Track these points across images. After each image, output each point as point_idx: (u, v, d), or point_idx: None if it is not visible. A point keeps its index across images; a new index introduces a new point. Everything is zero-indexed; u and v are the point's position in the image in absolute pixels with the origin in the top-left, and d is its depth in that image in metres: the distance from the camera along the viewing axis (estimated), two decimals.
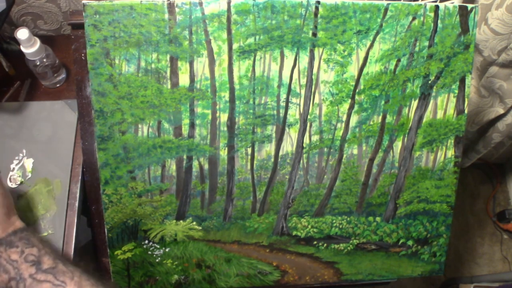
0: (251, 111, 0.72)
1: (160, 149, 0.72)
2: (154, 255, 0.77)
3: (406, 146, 0.78)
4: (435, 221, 0.83)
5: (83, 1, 0.64)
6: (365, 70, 0.73)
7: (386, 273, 0.84)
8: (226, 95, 0.71)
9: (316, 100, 0.73)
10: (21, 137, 0.83)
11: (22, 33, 0.76)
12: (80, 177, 0.81)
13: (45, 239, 0.63)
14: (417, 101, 0.76)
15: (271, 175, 0.76)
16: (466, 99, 0.77)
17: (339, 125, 0.75)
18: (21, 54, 0.79)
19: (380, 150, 0.77)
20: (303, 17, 0.69)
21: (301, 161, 0.76)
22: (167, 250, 0.77)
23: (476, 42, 0.96)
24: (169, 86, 0.69)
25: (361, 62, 0.72)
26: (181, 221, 0.76)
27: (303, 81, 0.72)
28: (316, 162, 0.76)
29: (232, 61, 0.69)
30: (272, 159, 0.75)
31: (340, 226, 0.80)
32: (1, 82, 0.89)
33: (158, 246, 0.77)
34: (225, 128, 0.72)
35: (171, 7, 0.66)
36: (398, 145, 0.78)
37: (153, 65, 0.68)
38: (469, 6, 0.72)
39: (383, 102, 0.75)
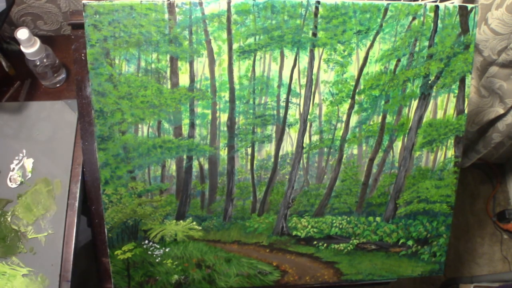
0: (251, 111, 0.72)
1: (160, 149, 0.72)
2: (154, 255, 0.77)
3: (406, 146, 0.78)
4: (435, 221, 0.83)
5: (83, 1, 0.64)
6: (365, 70, 0.73)
7: (386, 273, 0.84)
8: (226, 95, 0.71)
9: (316, 100, 0.73)
10: (21, 137, 0.83)
11: (22, 33, 0.76)
12: (80, 177, 0.81)
13: None
14: (417, 101, 0.76)
15: (271, 175, 0.76)
16: (466, 99, 0.77)
17: (339, 125, 0.75)
18: (21, 54, 0.79)
19: (380, 150, 0.77)
20: (303, 17, 0.69)
21: (301, 161, 0.76)
22: (167, 250, 0.77)
23: (476, 42, 0.96)
24: (169, 86, 0.69)
25: (361, 62, 0.72)
26: (181, 221, 0.76)
27: (303, 81, 0.72)
28: (316, 162, 0.76)
29: (232, 61, 0.69)
30: (272, 159, 0.75)
31: (340, 226, 0.80)
32: (1, 82, 0.89)
33: (158, 246, 0.77)
34: (225, 128, 0.72)
35: (171, 7, 0.66)
36: (398, 145, 0.78)
37: (153, 65, 0.68)
38: (469, 6, 0.72)
39: (383, 102, 0.75)
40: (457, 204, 0.82)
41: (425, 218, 0.82)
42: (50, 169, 0.81)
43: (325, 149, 0.76)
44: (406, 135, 0.77)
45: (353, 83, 0.73)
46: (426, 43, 0.73)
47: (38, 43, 0.79)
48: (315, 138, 0.75)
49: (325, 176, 0.77)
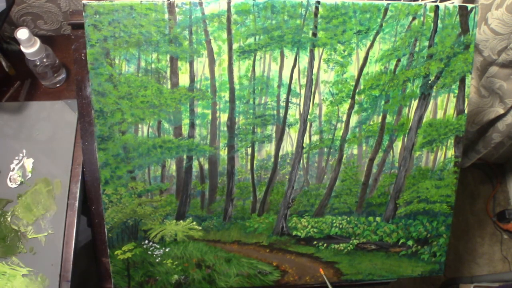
0: (251, 111, 0.72)
1: (160, 149, 0.72)
2: (154, 255, 0.77)
3: (406, 146, 0.78)
4: (435, 221, 0.83)
5: (83, 1, 0.64)
6: (365, 70, 0.73)
7: (386, 273, 0.84)
8: (226, 95, 0.71)
9: (316, 100, 0.73)
10: (21, 137, 0.83)
11: (22, 33, 0.76)
12: (80, 177, 0.81)
13: None
14: (417, 101, 0.76)
15: (271, 175, 0.76)
16: (466, 99, 0.77)
17: (339, 125, 0.75)
18: (21, 54, 0.79)
19: (380, 150, 0.77)
20: (303, 17, 0.69)
21: (301, 161, 0.76)
22: (167, 250, 0.77)
23: (476, 42, 0.96)
24: (169, 86, 0.69)
25: (361, 62, 0.72)
26: (181, 221, 0.76)
27: (303, 81, 0.72)
28: (316, 162, 0.76)
29: (232, 61, 0.69)
30: (272, 159, 0.75)
31: (340, 226, 0.80)
32: (1, 82, 0.89)
33: (158, 246, 0.77)
34: (225, 128, 0.72)
35: (171, 7, 0.66)
36: (398, 145, 0.78)
37: (153, 65, 0.68)
38: (469, 6, 0.72)
39: (383, 102, 0.75)
40: (457, 204, 0.82)
41: (425, 218, 0.82)
42: (50, 169, 0.81)
43: (325, 149, 0.76)
44: (406, 135, 0.77)
45: (353, 83, 0.73)
46: (426, 43, 0.73)
47: (38, 43, 0.79)
48: (315, 138, 0.75)
49: (325, 176, 0.77)
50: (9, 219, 0.77)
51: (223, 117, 0.72)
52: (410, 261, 0.84)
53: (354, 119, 0.75)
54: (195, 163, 0.73)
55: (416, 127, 0.77)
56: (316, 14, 0.69)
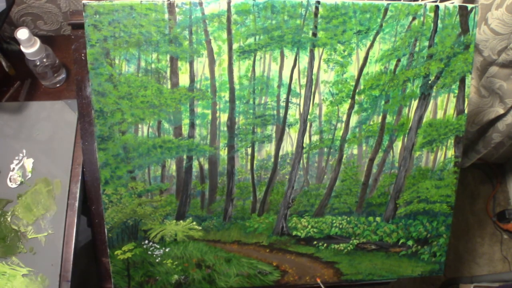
0: (251, 111, 0.72)
1: (160, 149, 0.72)
2: (154, 255, 0.77)
3: (406, 146, 0.78)
4: (435, 221, 0.83)
5: (83, 1, 0.64)
6: (365, 70, 0.73)
7: (386, 273, 0.84)
8: (226, 95, 0.71)
9: (316, 100, 0.73)
10: (21, 137, 0.83)
11: (22, 33, 0.76)
12: (80, 177, 0.81)
13: None
14: (417, 101, 0.76)
15: (271, 175, 0.76)
16: (466, 99, 0.77)
17: (339, 125, 0.75)
18: (21, 54, 0.79)
19: (380, 150, 0.77)
20: (303, 17, 0.69)
21: (301, 161, 0.76)
22: (167, 250, 0.77)
23: (476, 42, 0.96)
24: (169, 86, 0.69)
25: (361, 62, 0.72)
26: (181, 221, 0.76)
27: (303, 81, 0.72)
28: (316, 162, 0.76)
29: (232, 61, 0.69)
30: (272, 159, 0.75)
31: (340, 226, 0.80)
32: (1, 82, 0.89)
33: (158, 246, 0.77)
34: (225, 128, 0.72)
35: (171, 7, 0.66)
36: (398, 145, 0.78)
37: (153, 65, 0.68)
38: (469, 6, 0.72)
39: (383, 102, 0.75)
40: (457, 204, 0.82)
41: (425, 218, 0.82)
42: (50, 169, 0.81)
43: (325, 149, 0.76)
44: (406, 135, 0.77)
45: (353, 83, 0.73)
46: (426, 43, 0.73)
47: (38, 43, 0.79)
48: (315, 138, 0.75)
49: (325, 176, 0.77)
50: (9, 219, 0.77)
51: (223, 117, 0.72)
52: (410, 261, 0.84)
53: (354, 119, 0.75)
54: (195, 163, 0.73)
55: (416, 127, 0.77)
56: (316, 14, 0.69)
